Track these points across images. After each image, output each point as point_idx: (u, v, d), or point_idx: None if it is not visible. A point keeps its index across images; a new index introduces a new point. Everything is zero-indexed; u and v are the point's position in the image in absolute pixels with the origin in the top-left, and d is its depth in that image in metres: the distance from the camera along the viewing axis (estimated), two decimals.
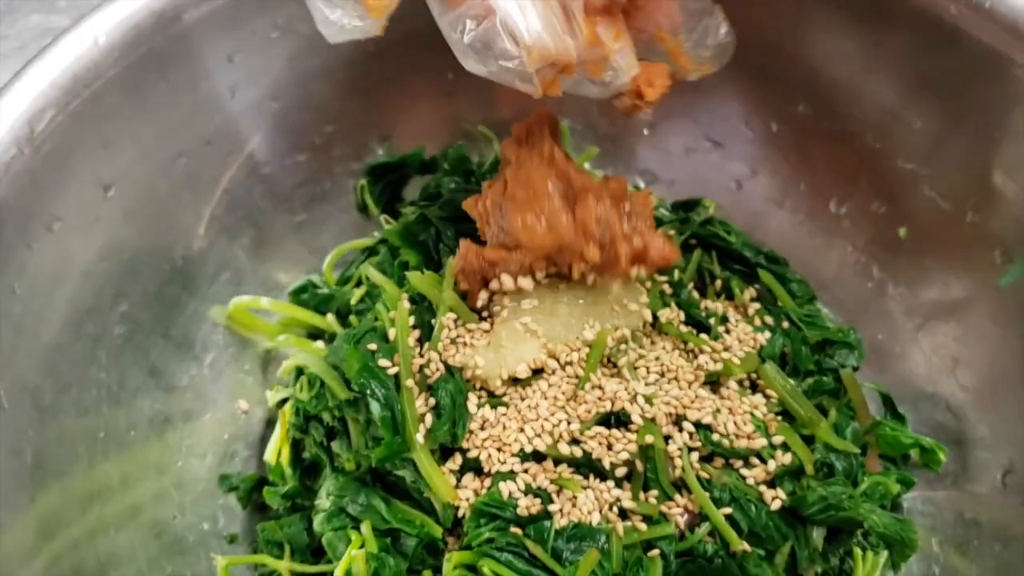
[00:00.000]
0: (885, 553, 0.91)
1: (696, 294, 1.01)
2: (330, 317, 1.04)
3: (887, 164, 1.03)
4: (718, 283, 1.04)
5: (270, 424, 1.03)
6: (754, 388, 0.94)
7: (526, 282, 0.88)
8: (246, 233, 1.05)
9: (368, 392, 0.84)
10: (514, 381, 0.88)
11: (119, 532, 0.85)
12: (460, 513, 0.84)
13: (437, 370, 0.86)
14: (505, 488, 0.82)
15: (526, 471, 0.84)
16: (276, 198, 1.07)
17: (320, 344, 1.00)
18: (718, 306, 0.99)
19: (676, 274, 1.01)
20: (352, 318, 1.00)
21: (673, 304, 0.98)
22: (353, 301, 1.01)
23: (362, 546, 0.83)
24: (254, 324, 1.04)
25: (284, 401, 0.98)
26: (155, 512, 0.90)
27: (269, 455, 0.95)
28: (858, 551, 0.90)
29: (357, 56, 1.06)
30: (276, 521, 0.92)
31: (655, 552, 0.81)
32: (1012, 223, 0.94)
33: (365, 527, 0.84)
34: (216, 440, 0.99)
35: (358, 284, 1.05)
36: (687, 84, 1.08)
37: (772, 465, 0.86)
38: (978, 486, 0.94)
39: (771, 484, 0.87)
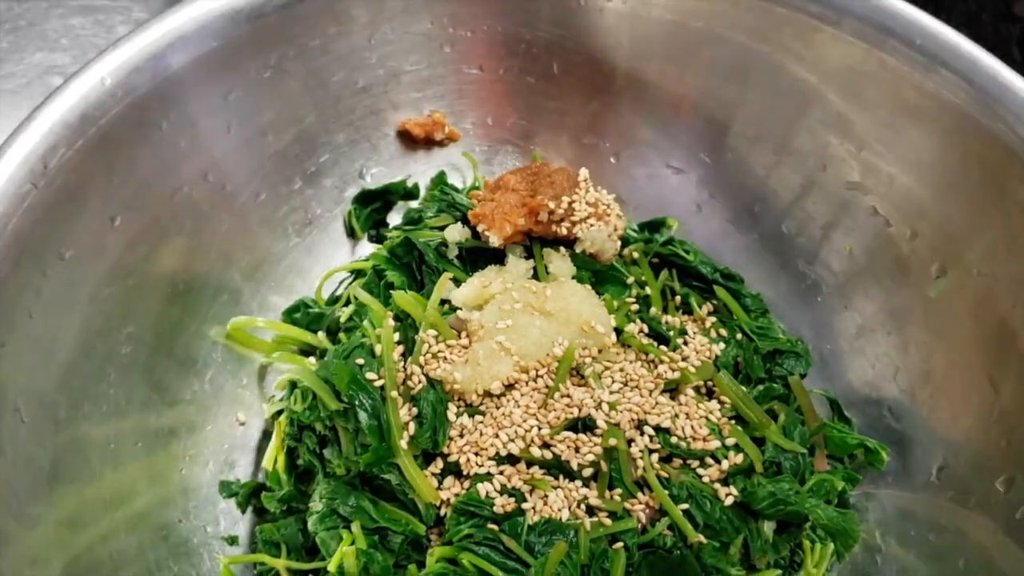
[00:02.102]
0: (832, 545, 1.00)
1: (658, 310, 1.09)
2: (321, 335, 1.10)
3: (834, 187, 1.12)
4: (677, 299, 1.11)
5: (266, 435, 1.09)
6: (710, 395, 1.02)
7: None
8: (243, 257, 1.11)
9: (356, 403, 0.91)
10: (489, 393, 0.95)
11: (129, 534, 0.91)
12: (442, 512, 0.91)
13: (419, 382, 0.94)
14: (483, 489, 0.89)
15: (501, 473, 0.91)
16: (270, 224, 1.14)
17: (312, 360, 1.06)
18: (677, 320, 1.07)
19: (636, 290, 1.09)
20: (341, 335, 1.07)
21: (637, 319, 1.06)
22: (342, 319, 1.07)
23: (352, 543, 0.90)
24: (250, 342, 1.09)
25: (279, 413, 1.04)
26: (161, 516, 0.96)
27: (267, 462, 1.02)
28: (807, 543, 0.99)
29: (344, 92, 1.14)
30: (273, 523, 0.98)
31: (619, 545, 0.89)
32: (947, 240, 1.03)
33: (355, 526, 0.91)
34: (216, 450, 1.05)
35: (347, 304, 1.11)
36: (650, 119, 1.19)
37: (725, 464, 0.94)
38: (916, 482, 1.02)
39: (725, 482, 0.94)
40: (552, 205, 1.04)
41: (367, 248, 1.21)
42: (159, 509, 0.96)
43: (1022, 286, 0.96)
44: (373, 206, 1.21)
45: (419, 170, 1.24)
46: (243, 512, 1.04)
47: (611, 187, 1.15)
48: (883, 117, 1.05)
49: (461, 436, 0.93)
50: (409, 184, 1.23)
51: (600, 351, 0.99)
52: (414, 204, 1.23)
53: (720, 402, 1.00)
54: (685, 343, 1.04)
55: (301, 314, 1.14)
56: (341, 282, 1.18)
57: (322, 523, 0.92)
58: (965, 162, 1.00)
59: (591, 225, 1.06)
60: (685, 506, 0.91)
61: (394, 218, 1.24)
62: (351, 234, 1.22)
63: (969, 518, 0.94)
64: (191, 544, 0.97)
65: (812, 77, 1.08)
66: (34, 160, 0.87)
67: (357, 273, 1.15)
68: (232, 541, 1.01)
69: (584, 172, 1.09)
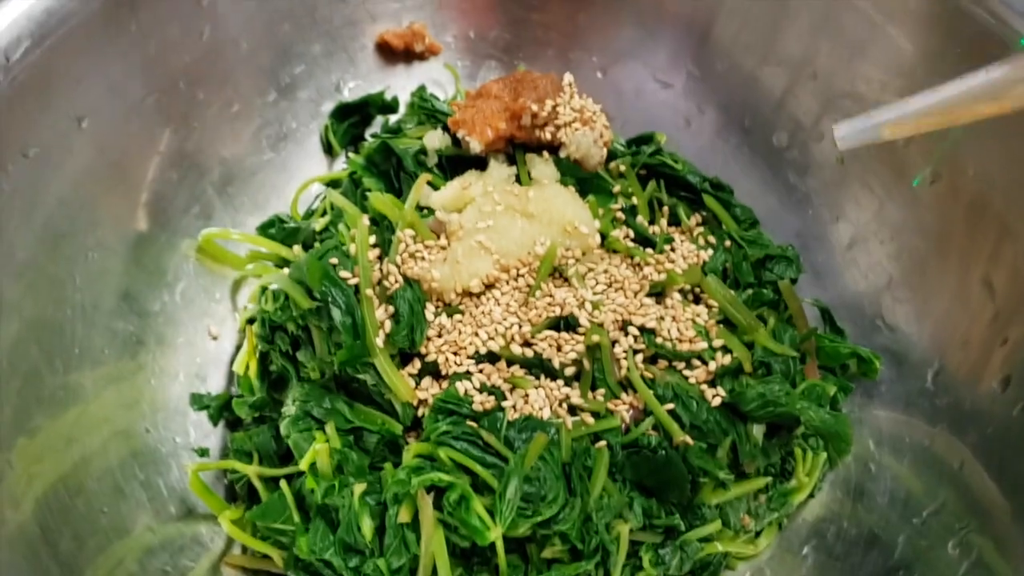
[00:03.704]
0: (824, 454, 0.97)
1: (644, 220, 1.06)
2: (296, 248, 1.06)
3: (825, 96, 1.09)
4: (665, 209, 1.08)
5: (240, 351, 1.05)
6: (697, 300, 0.99)
7: None
8: (215, 170, 1.07)
9: (330, 299, 0.87)
10: (469, 292, 0.92)
11: (91, 436, 0.87)
12: (419, 413, 0.88)
13: (396, 281, 0.90)
14: (461, 387, 0.86)
15: (481, 371, 0.88)
16: (243, 137, 1.10)
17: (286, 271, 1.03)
18: (664, 228, 1.04)
19: (623, 200, 1.05)
20: (316, 245, 1.03)
21: (623, 226, 1.02)
22: (317, 229, 1.04)
23: (327, 443, 0.86)
24: (224, 256, 1.06)
25: (252, 322, 1.01)
26: (127, 423, 0.92)
27: (238, 366, 0.98)
28: (799, 451, 0.96)
29: (320, 0, 1.11)
30: (245, 432, 0.95)
31: (602, 443, 0.86)
32: (940, 143, 1.00)
33: (329, 427, 0.88)
34: (188, 363, 1.01)
35: (323, 215, 1.07)
36: (634, 28, 1.15)
37: (713, 366, 0.91)
38: (911, 389, 0.99)
39: (712, 383, 0.91)
40: (535, 108, 1.01)
41: (344, 165, 1.17)
42: (124, 417, 0.92)
43: (1019, 185, 0.93)
44: (351, 120, 1.18)
45: (399, 84, 1.20)
46: (215, 424, 1.01)
47: (599, 103, 1.12)
48: (867, 14, 1.02)
49: (439, 336, 0.90)
50: (388, 97, 1.19)
51: (584, 253, 0.96)
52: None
53: (708, 307, 0.97)
54: (672, 249, 1.01)
55: (276, 229, 1.11)
56: (317, 196, 1.14)
57: (295, 426, 0.89)
58: (952, 53, 0.97)
59: (576, 129, 1.02)
60: (671, 406, 0.88)
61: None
62: (328, 150, 1.19)
63: (965, 420, 0.91)
64: (159, 453, 0.94)
65: None
66: None
67: (333, 185, 1.12)
68: (203, 452, 0.98)
69: (568, 77, 1.06)
